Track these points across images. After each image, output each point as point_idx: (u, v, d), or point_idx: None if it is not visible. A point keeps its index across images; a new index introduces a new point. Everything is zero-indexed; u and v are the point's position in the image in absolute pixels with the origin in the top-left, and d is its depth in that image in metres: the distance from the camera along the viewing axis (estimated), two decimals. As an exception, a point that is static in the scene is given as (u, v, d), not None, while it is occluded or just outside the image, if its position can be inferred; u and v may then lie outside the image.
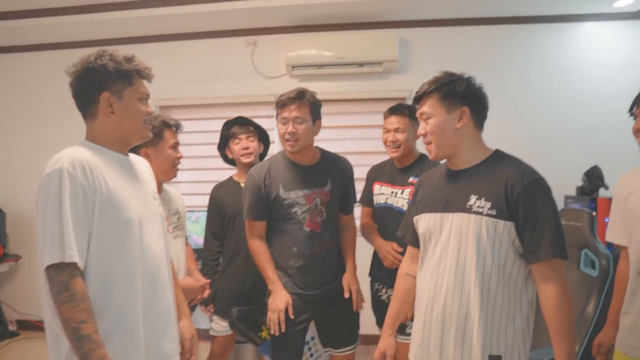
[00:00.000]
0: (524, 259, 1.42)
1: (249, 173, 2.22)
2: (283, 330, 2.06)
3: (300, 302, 2.13)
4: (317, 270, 2.16)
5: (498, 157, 1.52)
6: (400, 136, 2.27)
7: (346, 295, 2.20)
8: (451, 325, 1.46)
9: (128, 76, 1.40)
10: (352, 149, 4.05)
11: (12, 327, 4.26)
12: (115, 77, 1.37)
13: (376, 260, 2.40)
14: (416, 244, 1.67)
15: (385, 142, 2.34)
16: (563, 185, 3.45)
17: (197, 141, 4.09)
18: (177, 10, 3.62)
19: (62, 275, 1.20)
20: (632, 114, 1.66)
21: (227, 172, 2.73)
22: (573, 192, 3.50)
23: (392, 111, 2.34)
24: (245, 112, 4.10)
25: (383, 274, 2.33)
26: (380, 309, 2.35)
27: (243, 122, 2.61)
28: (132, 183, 1.42)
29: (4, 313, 4.24)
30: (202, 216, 3.32)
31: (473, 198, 1.45)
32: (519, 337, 1.43)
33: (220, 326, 2.55)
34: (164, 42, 4.15)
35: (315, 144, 2.24)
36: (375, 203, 2.38)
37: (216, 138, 2.69)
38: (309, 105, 2.10)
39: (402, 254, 2.08)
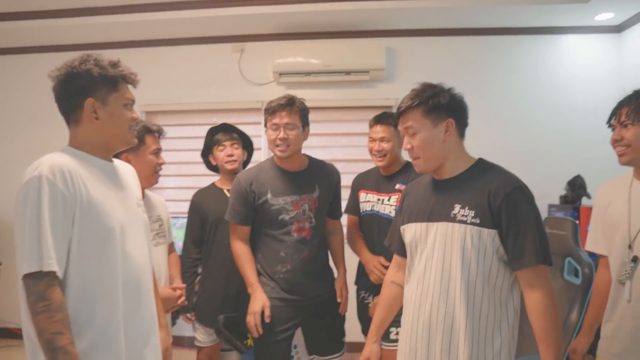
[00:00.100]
0: (509, 266, 1.43)
1: (236, 178, 2.21)
2: (260, 333, 2.05)
3: (287, 308, 2.13)
4: (304, 277, 2.15)
5: (481, 166, 1.53)
6: (385, 145, 2.28)
7: (339, 299, 2.25)
8: (437, 334, 1.46)
9: (113, 82, 1.37)
10: (339, 156, 4.06)
11: (-10, 335, 4.16)
12: (100, 83, 1.35)
13: (362, 269, 2.41)
14: (402, 252, 1.68)
15: (371, 151, 2.35)
16: (546, 194, 3.50)
17: (184, 147, 4.07)
18: (164, 15, 3.61)
19: (39, 285, 1.17)
20: (610, 126, 1.69)
21: (214, 179, 2.72)
22: (556, 201, 3.55)
23: (377, 120, 2.35)
24: (232, 119, 4.08)
25: (369, 283, 2.33)
26: (366, 317, 2.35)
27: (227, 129, 2.60)
28: (114, 190, 1.40)
29: (-18, 321, 4.14)
30: (188, 223, 3.29)
31: (457, 207, 1.46)
32: (506, 345, 1.44)
33: (205, 336, 2.52)
34: (151, 47, 4.13)
35: (302, 151, 2.25)
36: (361, 211, 2.39)
37: (202, 144, 2.68)
38: (298, 112, 2.12)
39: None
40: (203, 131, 2.70)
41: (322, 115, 4.02)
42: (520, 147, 3.81)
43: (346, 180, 2.59)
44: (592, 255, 2.35)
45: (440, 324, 1.45)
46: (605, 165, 1.71)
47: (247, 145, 2.67)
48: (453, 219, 1.45)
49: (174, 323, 2.59)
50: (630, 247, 1.60)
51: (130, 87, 1.44)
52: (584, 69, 3.85)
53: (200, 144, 2.70)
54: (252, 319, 2.04)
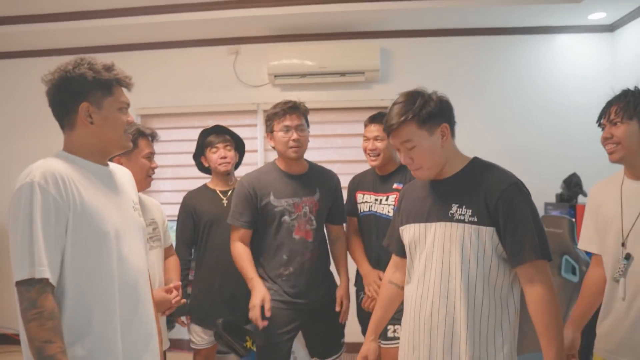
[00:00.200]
0: (508, 263, 1.44)
1: (239, 181, 2.24)
2: (263, 325, 2.03)
3: (289, 311, 2.15)
4: (306, 279, 2.18)
5: (476, 165, 1.54)
6: (379, 144, 2.28)
7: (337, 308, 2.24)
8: (438, 334, 1.46)
9: (107, 85, 1.35)
10: (335, 157, 4.06)
11: (-14, 342, 4.14)
12: (94, 87, 1.33)
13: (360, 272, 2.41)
14: (400, 252, 1.69)
15: (365, 150, 2.36)
16: (543, 192, 3.51)
17: (179, 150, 4.06)
18: (159, 19, 3.60)
19: (32, 292, 1.16)
20: (600, 125, 1.70)
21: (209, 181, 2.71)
22: (553, 199, 3.56)
23: (372, 120, 2.36)
24: (228, 121, 4.09)
25: None
26: (365, 318, 2.35)
27: (220, 131, 2.60)
28: (109, 194, 1.38)
29: (-21, 327, 4.11)
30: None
31: (454, 206, 1.46)
32: (507, 343, 1.44)
33: (201, 339, 2.52)
34: (146, 50, 4.12)
35: None
36: (360, 212, 2.39)
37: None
38: (303, 115, 2.22)
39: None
40: (198, 134, 2.71)
41: (318, 117, 4.02)
42: (515, 146, 3.82)
43: (342, 182, 2.60)
44: (588, 253, 2.37)
45: (441, 324, 1.45)
46: (600, 163, 1.72)
47: (239, 147, 2.68)
48: (451, 219, 1.46)
49: (173, 326, 2.58)
50: (623, 244, 1.62)
51: (125, 90, 1.42)
52: (578, 68, 3.87)
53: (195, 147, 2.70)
54: (253, 313, 2.03)
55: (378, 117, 2.35)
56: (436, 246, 1.48)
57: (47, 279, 1.18)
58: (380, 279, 2.19)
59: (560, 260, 2.54)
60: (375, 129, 2.31)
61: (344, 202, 2.45)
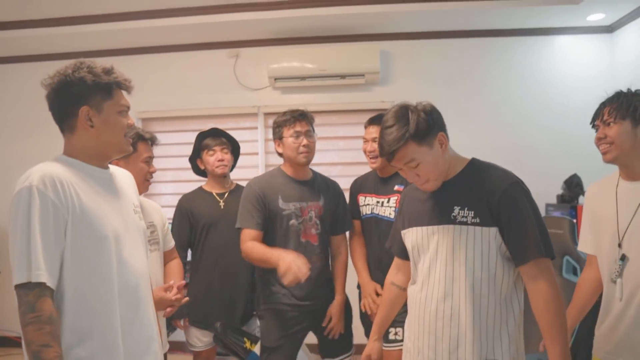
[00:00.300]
0: (512, 262, 1.44)
1: (248, 185, 2.26)
2: (306, 273, 1.91)
3: (297, 312, 2.19)
4: (313, 281, 2.19)
5: (475, 166, 1.54)
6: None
7: (324, 324, 2.25)
8: (444, 335, 1.46)
9: (107, 89, 1.35)
10: (335, 159, 4.07)
11: (-10, 345, 4.15)
12: (94, 90, 1.33)
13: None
14: (402, 255, 1.69)
15: (365, 152, 2.37)
16: (543, 193, 3.51)
17: (180, 153, 4.06)
18: (159, 23, 3.62)
19: (30, 295, 1.16)
20: (594, 126, 1.72)
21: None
22: (553, 200, 3.56)
23: (372, 121, 2.37)
24: (228, 124, 4.10)
25: None
26: (368, 320, 2.36)
27: (217, 134, 2.61)
28: (109, 198, 1.38)
29: (-19, 330, 4.12)
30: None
31: (456, 209, 1.46)
32: (514, 341, 1.45)
33: (200, 341, 2.52)
34: (146, 54, 4.14)
35: None
36: (362, 214, 2.39)
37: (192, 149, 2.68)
38: (311, 123, 2.31)
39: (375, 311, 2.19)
40: (195, 136, 2.71)
41: (318, 119, 3.95)
42: (516, 147, 3.82)
43: (343, 184, 2.61)
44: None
45: (446, 325, 1.46)
46: (601, 163, 1.72)
47: (234, 150, 2.68)
48: (454, 221, 1.46)
49: (173, 329, 2.58)
50: (619, 245, 1.63)
51: (124, 93, 1.42)
52: (577, 69, 3.88)
53: (196, 150, 2.70)
54: (292, 267, 1.90)
55: (377, 119, 2.35)
56: (440, 249, 1.48)
57: (44, 283, 1.18)
58: (377, 294, 2.25)
59: (562, 261, 2.54)
60: (374, 131, 2.31)
61: (347, 211, 2.45)
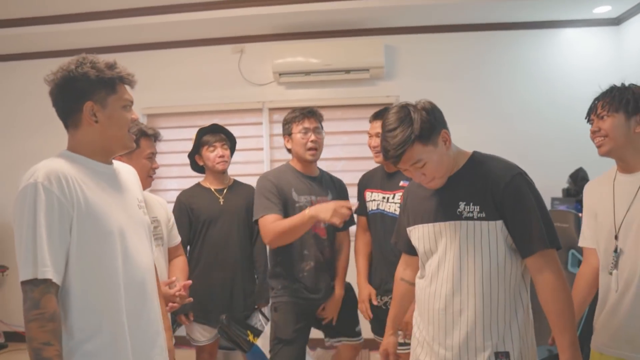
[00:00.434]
0: (518, 254, 1.44)
1: (263, 178, 2.30)
2: (349, 209, 1.97)
3: (306, 305, 2.28)
4: (323, 275, 2.31)
5: (477, 159, 1.54)
6: None
7: (317, 312, 2.34)
8: (454, 330, 1.47)
9: (111, 84, 1.35)
10: (340, 154, 4.07)
11: (0, 339, 4.19)
12: (97, 86, 1.33)
13: (370, 270, 2.44)
14: (410, 251, 1.69)
15: (370, 147, 2.37)
16: (549, 187, 3.49)
17: (185, 149, 4.01)
18: (164, 19, 3.62)
19: (35, 292, 1.17)
20: (589, 121, 1.73)
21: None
22: (559, 194, 3.55)
23: (376, 116, 2.37)
24: (233, 120, 4.12)
25: (376, 282, 2.37)
26: (376, 316, 2.38)
27: (216, 130, 2.61)
28: (113, 193, 1.38)
29: (-9, 325, 4.17)
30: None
31: (462, 204, 1.46)
32: (524, 332, 1.45)
33: (202, 335, 2.54)
34: (151, 50, 4.15)
35: None
36: (368, 210, 2.40)
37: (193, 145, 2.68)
38: (320, 120, 2.37)
39: (381, 306, 2.33)
40: (196, 133, 2.71)
41: (323, 114, 4.02)
42: (522, 141, 3.81)
43: (347, 179, 2.62)
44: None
45: (456, 320, 1.46)
46: (607, 158, 1.73)
47: (232, 146, 2.69)
48: (460, 217, 1.46)
49: (179, 325, 2.60)
50: (616, 237, 1.64)
51: (128, 88, 1.42)
52: (584, 62, 3.85)
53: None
54: (332, 207, 1.96)
55: (382, 113, 2.35)
56: (448, 246, 1.48)
57: (50, 280, 1.18)
58: (370, 299, 2.33)
59: (567, 254, 2.54)
60: (379, 126, 2.30)
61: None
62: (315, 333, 2.42)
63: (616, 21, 3.78)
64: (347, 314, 2.40)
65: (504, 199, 1.41)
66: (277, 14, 3.58)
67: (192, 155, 2.65)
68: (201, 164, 2.63)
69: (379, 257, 2.35)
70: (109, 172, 1.42)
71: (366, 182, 2.46)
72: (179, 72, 4.15)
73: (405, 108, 1.46)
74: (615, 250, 1.62)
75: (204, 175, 2.71)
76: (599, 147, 1.68)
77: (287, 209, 2.22)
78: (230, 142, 2.66)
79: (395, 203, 2.27)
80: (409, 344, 1.91)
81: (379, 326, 2.37)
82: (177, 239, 2.32)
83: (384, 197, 2.32)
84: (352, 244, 2.54)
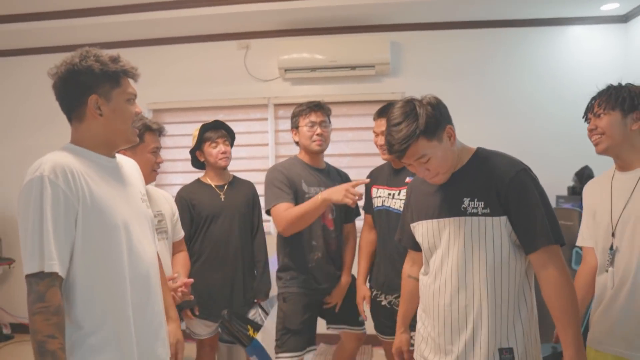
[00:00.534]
0: (522, 250, 1.44)
1: (273, 169, 2.36)
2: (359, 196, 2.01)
3: (314, 295, 2.34)
4: (331, 266, 2.38)
5: (482, 155, 1.53)
6: None
7: (327, 298, 2.40)
8: (460, 326, 1.47)
9: (115, 77, 1.35)
10: (345, 150, 4.07)
11: (6, 331, 4.25)
12: (102, 79, 1.33)
13: (373, 268, 2.44)
14: (415, 247, 1.69)
15: (376, 145, 2.37)
16: (554, 185, 3.48)
17: (190, 144, 4.08)
18: (170, 14, 3.63)
19: (40, 285, 1.17)
20: (586, 120, 1.75)
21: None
22: (564, 192, 3.54)
23: (381, 114, 2.36)
24: (239, 115, 4.13)
25: (381, 281, 2.36)
26: (379, 314, 2.40)
27: (218, 126, 2.62)
28: (117, 187, 1.39)
29: (-3, 317, 4.21)
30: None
31: (466, 200, 1.46)
32: (527, 328, 1.45)
33: (203, 330, 2.56)
34: (157, 45, 4.16)
35: None
36: (374, 207, 2.40)
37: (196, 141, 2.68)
38: (327, 114, 2.42)
39: (385, 305, 2.34)
40: (199, 129, 2.71)
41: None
42: (528, 139, 3.79)
43: (352, 175, 2.62)
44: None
45: (461, 316, 1.46)
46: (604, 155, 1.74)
47: (231, 142, 2.69)
48: (464, 213, 1.46)
49: (181, 319, 2.62)
50: (613, 234, 1.65)
51: (132, 82, 1.42)
52: (591, 59, 3.82)
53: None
54: (350, 191, 1.99)
55: (386, 110, 2.35)
56: (452, 242, 1.48)
57: (56, 273, 1.19)
58: (364, 300, 2.38)
59: (571, 252, 2.54)
60: (383, 123, 2.30)
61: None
62: (318, 328, 2.43)
63: (624, 18, 3.75)
64: (350, 304, 2.43)
65: (508, 195, 1.41)
66: (283, 10, 3.58)
67: (193, 151, 2.66)
68: (202, 159, 2.63)
69: (383, 254, 2.35)
70: (113, 165, 1.42)
71: (374, 179, 2.45)
72: (185, 68, 4.16)
73: (410, 103, 1.46)
74: (611, 248, 1.63)
75: (201, 170, 2.73)
76: (596, 145, 1.70)
77: (297, 200, 2.26)
78: (230, 138, 2.66)
79: (401, 199, 2.25)
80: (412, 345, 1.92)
81: (382, 325, 2.38)
82: (181, 234, 2.33)
83: (389, 194, 2.32)
84: (358, 240, 2.56)
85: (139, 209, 1.45)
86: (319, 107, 2.38)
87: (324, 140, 2.37)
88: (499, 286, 1.43)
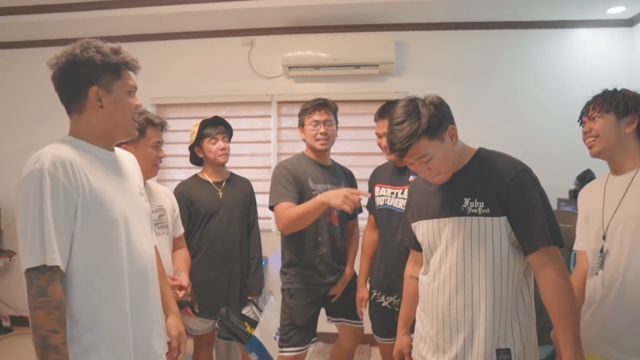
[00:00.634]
0: (521, 251, 1.44)
1: (281, 165, 2.37)
2: (357, 196, 2.01)
3: (318, 290, 2.37)
4: (335, 261, 2.40)
5: (483, 155, 1.53)
6: None
7: (332, 289, 2.42)
8: (458, 326, 1.47)
9: (116, 69, 1.34)
10: (348, 149, 4.07)
11: (6, 323, 4.26)
12: (103, 70, 1.31)
13: (374, 268, 2.44)
14: (417, 247, 1.69)
15: (380, 147, 2.37)
16: (556, 187, 3.47)
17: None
18: (174, 9, 3.64)
19: (42, 279, 1.15)
20: (581, 124, 1.77)
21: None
22: (566, 195, 3.53)
23: (381, 114, 2.34)
24: (242, 112, 4.13)
25: (380, 281, 2.36)
26: (379, 315, 2.39)
27: (217, 122, 2.61)
28: (116, 180, 1.37)
29: (-3, 309, 4.23)
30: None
31: (467, 200, 1.46)
32: (525, 329, 1.46)
33: (200, 327, 2.56)
34: (161, 40, 4.16)
35: None
36: (376, 205, 2.39)
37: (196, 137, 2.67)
38: (332, 112, 2.43)
39: (386, 306, 2.32)
40: (199, 125, 2.70)
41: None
42: (530, 141, 3.79)
43: (355, 175, 2.63)
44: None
45: (460, 316, 1.47)
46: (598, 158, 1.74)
47: (229, 138, 2.69)
48: (464, 213, 1.46)
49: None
50: (604, 237, 1.65)
51: (132, 74, 1.41)
52: (597, 62, 3.81)
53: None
54: (349, 198, 1.98)
55: (387, 111, 2.33)
56: (452, 241, 1.48)
57: (57, 267, 1.17)
58: (362, 301, 2.40)
59: (570, 255, 2.53)
60: (385, 124, 2.28)
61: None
62: (318, 327, 2.44)
63: (630, 22, 3.74)
64: (351, 298, 2.45)
65: (508, 195, 1.41)
66: (289, 7, 3.59)
67: (192, 147, 2.65)
68: (200, 156, 2.62)
69: (384, 254, 2.34)
70: (111, 158, 1.41)
71: (377, 177, 2.45)
72: (189, 63, 4.16)
73: (413, 102, 1.46)
74: (602, 250, 1.64)
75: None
76: (590, 147, 1.72)
77: (303, 196, 2.28)
78: (228, 134, 2.66)
79: (404, 198, 2.24)
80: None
81: (381, 326, 2.38)
82: (181, 230, 2.33)
83: (392, 193, 2.31)
84: (361, 239, 2.58)
85: (138, 203, 1.44)
86: (323, 106, 2.39)
87: (328, 139, 2.38)
88: (497, 286, 1.44)
